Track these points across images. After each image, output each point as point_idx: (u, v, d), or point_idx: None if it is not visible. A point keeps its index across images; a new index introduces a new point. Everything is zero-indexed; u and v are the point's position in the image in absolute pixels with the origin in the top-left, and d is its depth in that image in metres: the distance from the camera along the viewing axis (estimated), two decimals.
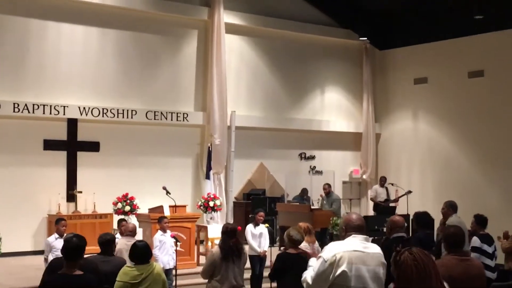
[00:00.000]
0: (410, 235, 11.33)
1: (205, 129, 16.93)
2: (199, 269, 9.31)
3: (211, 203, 14.40)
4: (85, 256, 5.48)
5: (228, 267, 7.77)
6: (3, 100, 14.08)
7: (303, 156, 19.21)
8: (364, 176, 20.08)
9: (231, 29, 17.27)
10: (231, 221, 16.14)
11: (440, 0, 17.14)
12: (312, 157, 19.32)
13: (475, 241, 8.78)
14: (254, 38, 18.15)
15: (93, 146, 15.45)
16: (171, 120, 16.31)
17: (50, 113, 14.61)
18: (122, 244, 8.94)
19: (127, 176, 15.57)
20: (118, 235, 10.27)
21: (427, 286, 3.91)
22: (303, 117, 19.01)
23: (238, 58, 17.89)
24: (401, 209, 16.84)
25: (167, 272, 9.98)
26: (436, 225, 10.57)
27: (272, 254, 11.17)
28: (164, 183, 13.36)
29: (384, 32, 19.95)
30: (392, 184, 17.63)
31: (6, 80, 14.38)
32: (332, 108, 19.84)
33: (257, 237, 11.38)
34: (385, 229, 8.11)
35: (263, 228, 11.51)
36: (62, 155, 15.04)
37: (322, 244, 10.24)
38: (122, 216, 13.20)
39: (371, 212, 17.90)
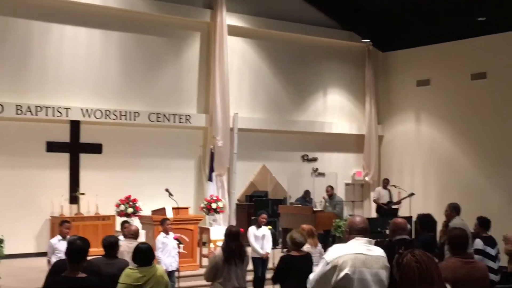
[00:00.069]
0: (413, 237, 11.32)
1: (207, 131, 16.94)
2: (202, 271, 9.33)
3: (214, 205, 14.39)
4: (89, 258, 5.47)
5: (231, 270, 7.76)
6: (6, 102, 14.10)
7: (305, 158, 19.20)
8: (366, 178, 20.06)
9: (234, 31, 17.28)
10: (233, 223, 16.14)
11: (442, 2, 17.13)
12: (315, 159, 19.31)
13: (478, 243, 8.75)
14: (256, 40, 18.17)
15: (96, 148, 15.46)
16: (174, 122, 16.33)
17: (53, 115, 14.64)
18: (124, 246, 8.94)
19: (129, 178, 15.58)
20: (121, 237, 10.26)
21: None
22: (306, 119, 19.01)
23: (241, 60, 17.90)
24: (403, 211, 16.81)
25: (170, 274, 9.97)
26: (439, 227, 10.54)
27: (274, 256, 11.19)
28: (166, 185, 13.38)
29: (387, 34, 19.95)
30: (395, 186, 17.62)
31: (9, 82, 14.41)
32: (335, 110, 19.84)
33: (260, 239, 11.37)
34: (387, 231, 8.10)
35: (265, 230, 11.51)
36: (64, 157, 15.07)
37: (325, 246, 10.27)
38: (124, 218, 13.21)
39: (373, 214, 17.88)
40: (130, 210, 13.83)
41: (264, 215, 11.64)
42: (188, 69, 16.96)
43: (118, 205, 13.92)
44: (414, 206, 16.33)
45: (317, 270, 4.88)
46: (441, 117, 18.71)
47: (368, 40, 19.81)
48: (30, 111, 14.34)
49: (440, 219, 10.12)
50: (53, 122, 14.82)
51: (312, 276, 4.97)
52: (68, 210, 14.71)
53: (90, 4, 15.26)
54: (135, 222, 12.88)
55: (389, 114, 20.41)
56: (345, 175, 19.77)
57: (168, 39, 16.67)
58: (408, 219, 13.67)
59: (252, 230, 11.50)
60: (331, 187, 16.25)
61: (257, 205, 15.97)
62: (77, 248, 5.19)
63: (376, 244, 4.98)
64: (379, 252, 4.90)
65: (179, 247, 10.53)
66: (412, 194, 16.75)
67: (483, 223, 9.20)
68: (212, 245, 13.24)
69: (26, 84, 14.60)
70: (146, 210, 13.68)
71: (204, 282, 8.06)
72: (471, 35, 17.58)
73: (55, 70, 14.99)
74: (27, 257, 14.00)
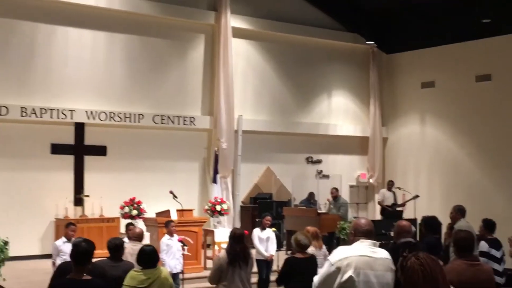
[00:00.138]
0: (418, 239, 11.29)
1: (212, 133, 16.94)
2: (206, 273, 9.31)
3: (218, 207, 14.39)
4: (94, 260, 5.48)
5: (235, 272, 7.74)
6: (11, 104, 14.14)
7: (310, 160, 19.19)
8: (371, 180, 20.04)
9: (238, 33, 17.29)
10: (238, 225, 16.13)
11: (447, 3, 17.10)
12: (319, 161, 19.29)
13: (483, 245, 8.73)
14: (260, 42, 18.17)
15: (100, 150, 15.48)
16: (178, 124, 16.35)
17: (58, 117, 14.67)
18: (128, 248, 8.92)
19: (134, 180, 15.59)
20: (126, 240, 10.27)
21: None
22: (310, 121, 19.00)
23: (245, 62, 17.90)
24: (408, 213, 16.78)
25: (174, 276, 9.97)
26: (443, 229, 10.52)
27: (279, 258, 11.18)
28: (171, 187, 13.39)
29: (391, 36, 19.93)
30: (400, 188, 17.59)
31: (14, 85, 14.45)
32: (339, 112, 19.83)
33: (264, 241, 11.36)
34: (392, 234, 8.09)
35: (270, 232, 11.49)
36: (69, 159, 15.09)
37: (329, 249, 10.23)
38: (129, 220, 13.22)
39: (378, 216, 17.86)
40: (134, 212, 13.85)
41: (269, 217, 11.63)
42: (192, 71, 16.98)
43: (122, 207, 13.94)
44: (419, 208, 16.30)
45: (322, 272, 4.87)
46: (446, 119, 18.69)
47: (373, 42, 19.81)
48: (35, 113, 14.38)
49: (445, 221, 10.11)
50: (58, 124, 14.85)
51: (316, 278, 4.96)
52: (72, 212, 14.73)
53: (94, 7, 15.29)
54: (140, 224, 12.89)
55: (393, 116, 20.39)
56: (350, 177, 19.75)
57: (173, 41, 16.69)
58: (413, 221, 13.67)
59: (256, 232, 11.48)
60: (336, 189, 16.22)
61: (261, 207, 15.95)
62: (82, 250, 5.19)
63: (380, 246, 4.96)
64: (384, 254, 4.89)
65: (183, 249, 10.53)
66: (417, 196, 16.71)
67: (488, 226, 9.17)
68: (216, 248, 13.24)
69: (31, 86, 14.63)
70: (150, 212, 13.70)
71: (208, 284, 8.04)
72: (476, 37, 17.56)
73: (60, 72, 15.03)
74: (31, 259, 14.02)
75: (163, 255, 10.34)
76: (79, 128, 15.20)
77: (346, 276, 4.69)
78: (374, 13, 19.24)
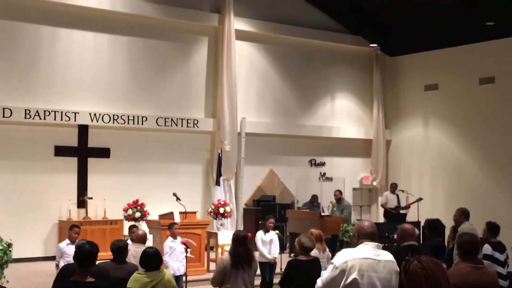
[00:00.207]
0: (422, 242, 11.27)
1: (215, 136, 16.95)
2: (209, 275, 9.30)
3: (221, 210, 14.40)
4: (97, 262, 5.48)
5: (238, 275, 7.73)
6: (14, 106, 14.15)
7: (313, 162, 19.19)
8: (374, 183, 20.03)
9: (241, 35, 17.30)
10: (241, 227, 16.14)
11: (451, 6, 17.09)
12: (322, 164, 19.29)
13: (487, 248, 8.71)
14: (264, 44, 18.18)
15: (104, 152, 15.49)
16: (182, 126, 16.35)
17: (61, 120, 14.68)
18: (131, 250, 8.92)
19: (137, 182, 15.61)
20: (129, 242, 10.27)
21: None
22: (313, 123, 19.00)
23: (248, 64, 17.91)
24: (411, 216, 16.77)
25: (177, 278, 9.98)
26: (447, 232, 10.50)
27: (282, 260, 11.17)
28: (174, 190, 13.37)
29: (395, 38, 19.92)
30: (403, 191, 17.56)
31: (17, 86, 14.47)
32: (342, 114, 19.83)
33: (267, 244, 11.34)
34: (395, 237, 8.08)
35: (273, 235, 11.48)
36: (72, 161, 15.10)
37: (332, 251, 10.24)
38: (132, 223, 13.21)
39: (381, 219, 17.83)
40: (137, 214, 13.86)
41: (272, 220, 11.62)
42: (195, 74, 16.99)
43: (126, 210, 13.95)
44: (422, 210, 16.29)
45: (325, 275, 4.87)
46: (449, 122, 18.67)
47: (376, 45, 19.81)
48: (39, 115, 14.39)
49: (448, 224, 10.09)
50: (61, 126, 14.86)
51: (320, 281, 4.96)
52: (76, 214, 14.73)
53: (98, 9, 15.31)
54: (143, 226, 12.89)
55: (397, 118, 20.38)
56: (353, 179, 19.74)
57: (176, 44, 16.70)
58: (416, 224, 13.64)
59: (259, 234, 11.47)
60: (340, 191, 16.19)
61: (264, 210, 15.95)
62: (85, 253, 5.19)
63: (384, 249, 4.96)
64: (388, 257, 4.88)
65: (186, 251, 10.51)
66: (420, 199, 16.68)
67: (492, 229, 9.15)
68: (219, 250, 13.24)
69: (35, 89, 14.65)
70: (153, 214, 13.70)
71: (211, 287, 8.03)
72: (479, 40, 17.55)
73: (63, 74, 15.04)
74: (34, 261, 14.03)
75: (166, 258, 10.33)
76: (83, 130, 15.21)
77: (350, 279, 4.69)
78: (377, 16, 19.23)
